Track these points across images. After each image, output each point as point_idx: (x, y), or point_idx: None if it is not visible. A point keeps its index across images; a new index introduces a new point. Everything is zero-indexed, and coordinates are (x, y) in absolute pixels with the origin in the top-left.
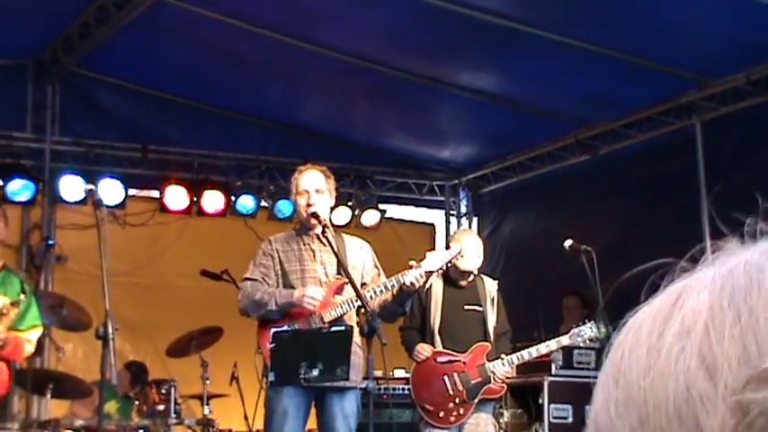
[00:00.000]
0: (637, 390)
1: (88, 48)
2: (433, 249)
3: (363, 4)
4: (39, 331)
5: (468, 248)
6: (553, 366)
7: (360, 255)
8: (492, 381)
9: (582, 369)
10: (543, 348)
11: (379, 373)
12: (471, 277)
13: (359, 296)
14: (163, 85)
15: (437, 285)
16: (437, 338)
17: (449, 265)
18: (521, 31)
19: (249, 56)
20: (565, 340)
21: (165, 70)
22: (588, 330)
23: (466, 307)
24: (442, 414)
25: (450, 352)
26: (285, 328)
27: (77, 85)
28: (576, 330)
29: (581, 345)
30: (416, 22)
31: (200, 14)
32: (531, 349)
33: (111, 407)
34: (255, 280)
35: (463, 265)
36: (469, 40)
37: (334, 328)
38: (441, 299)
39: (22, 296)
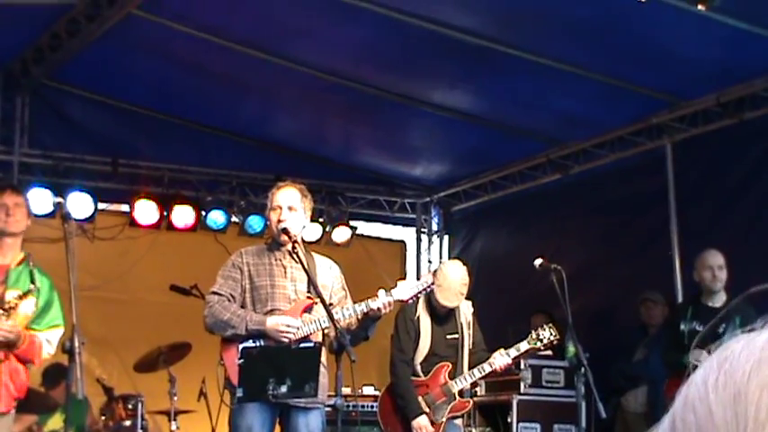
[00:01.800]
0: (741, 373)
1: (59, 60)
2: (404, 267)
3: (337, 21)
4: (59, 331)
5: (450, 285)
6: (522, 385)
7: (329, 275)
8: (455, 398)
9: (551, 388)
10: (504, 358)
11: (347, 390)
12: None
13: (329, 315)
14: (134, 98)
15: (425, 321)
16: (418, 369)
17: (423, 295)
18: (494, 49)
19: (222, 70)
20: (524, 345)
21: (136, 84)
22: (548, 334)
23: (448, 337)
24: None
25: (412, 378)
26: (253, 343)
27: (47, 96)
28: (534, 334)
29: (541, 348)
30: (390, 40)
31: (173, 28)
32: (491, 360)
33: (55, 423)
34: (223, 295)
35: (442, 299)
36: (443, 59)
37: (302, 345)
38: (430, 335)
39: (32, 286)
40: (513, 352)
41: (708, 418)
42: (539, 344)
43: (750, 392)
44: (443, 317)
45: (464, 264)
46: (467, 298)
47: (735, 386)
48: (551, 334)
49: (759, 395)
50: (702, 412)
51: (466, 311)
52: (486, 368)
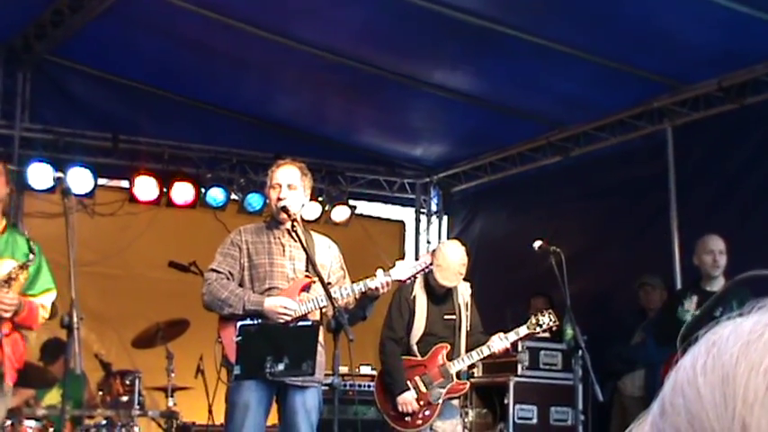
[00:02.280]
0: (729, 356)
1: (61, 35)
2: (403, 247)
3: (339, 0)
4: (52, 295)
5: (450, 265)
6: (519, 367)
7: (328, 254)
8: (453, 379)
9: (548, 370)
10: (502, 342)
11: (344, 369)
12: None
13: (327, 294)
14: (135, 75)
15: (421, 299)
16: (414, 349)
17: (421, 274)
18: (496, 31)
19: (223, 48)
20: (523, 330)
21: (138, 60)
22: (547, 319)
23: (445, 317)
24: (408, 418)
25: (409, 358)
26: (251, 321)
27: (49, 72)
28: (533, 320)
29: (539, 333)
30: (392, 20)
31: (175, 5)
32: (489, 343)
33: (52, 398)
34: (221, 273)
35: (441, 279)
36: (444, 39)
37: (300, 324)
38: (425, 314)
39: (32, 256)
40: (511, 336)
41: (697, 401)
42: (538, 329)
43: (738, 374)
44: (441, 297)
45: (463, 244)
46: (465, 279)
47: (723, 369)
48: (551, 319)
49: (747, 377)
50: (691, 395)
51: (464, 292)
52: (485, 351)
